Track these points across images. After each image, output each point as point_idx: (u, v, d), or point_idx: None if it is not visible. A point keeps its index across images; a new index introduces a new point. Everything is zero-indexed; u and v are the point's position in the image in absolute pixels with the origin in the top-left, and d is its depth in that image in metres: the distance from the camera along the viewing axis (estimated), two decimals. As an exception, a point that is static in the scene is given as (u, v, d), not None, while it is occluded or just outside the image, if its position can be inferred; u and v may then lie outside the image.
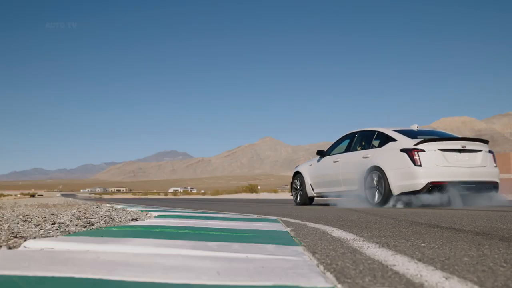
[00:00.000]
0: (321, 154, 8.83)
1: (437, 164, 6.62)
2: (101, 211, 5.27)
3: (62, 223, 3.43)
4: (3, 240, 2.19)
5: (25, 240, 2.10)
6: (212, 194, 53.63)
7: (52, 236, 2.45)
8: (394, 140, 7.09)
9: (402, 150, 6.76)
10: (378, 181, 7.00)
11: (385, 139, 7.30)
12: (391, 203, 6.81)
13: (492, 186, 6.97)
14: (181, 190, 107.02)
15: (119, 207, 6.94)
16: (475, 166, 6.86)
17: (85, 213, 4.90)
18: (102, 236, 2.29)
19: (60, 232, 2.71)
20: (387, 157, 6.96)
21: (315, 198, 9.17)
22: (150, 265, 1.46)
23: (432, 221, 3.56)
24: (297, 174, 9.33)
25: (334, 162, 8.24)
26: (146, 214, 4.67)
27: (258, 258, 1.66)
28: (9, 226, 3.14)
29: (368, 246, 2.04)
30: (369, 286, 1.24)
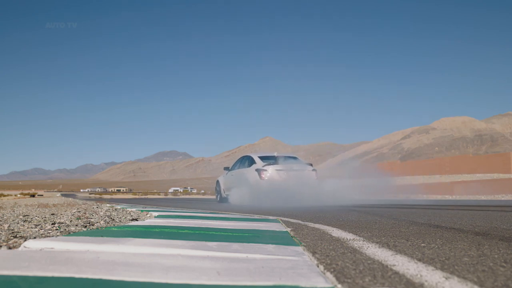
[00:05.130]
0: (227, 169, 13.35)
1: (274, 178, 10.80)
2: (101, 211, 5.27)
3: (62, 223, 3.43)
4: (3, 240, 2.19)
5: (25, 240, 2.10)
6: (212, 194, 53.57)
7: (52, 236, 2.44)
8: (255, 163, 11.47)
9: (256, 170, 11.14)
10: (247, 188, 11.12)
11: (252, 161, 11.67)
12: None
13: (312, 191, 10.41)
14: (181, 190, 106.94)
15: (119, 207, 6.93)
16: (300, 179, 10.78)
17: (85, 213, 4.90)
18: (102, 236, 2.28)
19: (60, 232, 2.71)
20: (250, 174, 11.31)
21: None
22: (150, 265, 1.46)
23: (432, 221, 3.56)
24: (217, 182, 14.03)
25: (232, 175, 12.75)
26: (146, 214, 4.67)
27: (258, 258, 1.66)
28: (9, 226, 3.14)
29: (368, 246, 2.04)
30: (369, 286, 1.24)
